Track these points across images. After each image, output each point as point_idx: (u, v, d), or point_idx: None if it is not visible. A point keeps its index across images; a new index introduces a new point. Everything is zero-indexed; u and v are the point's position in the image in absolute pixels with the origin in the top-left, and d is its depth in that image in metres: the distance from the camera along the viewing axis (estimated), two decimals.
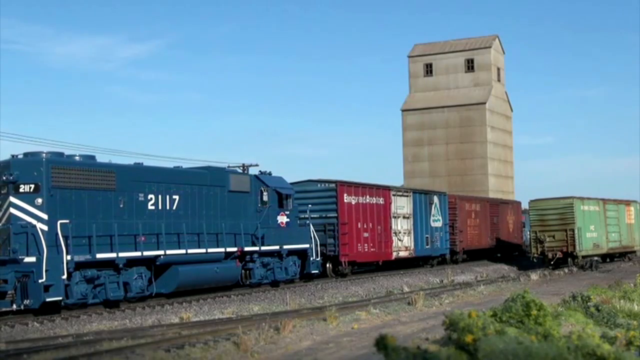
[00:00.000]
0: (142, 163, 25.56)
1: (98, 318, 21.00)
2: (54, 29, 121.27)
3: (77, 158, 23.08)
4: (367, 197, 36.96)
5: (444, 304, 22.58)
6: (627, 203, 51.18)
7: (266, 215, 29.13)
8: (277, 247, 29.42)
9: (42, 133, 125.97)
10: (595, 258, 43.39)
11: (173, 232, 24.82)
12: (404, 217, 40.18)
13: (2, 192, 21.49)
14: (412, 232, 40.68)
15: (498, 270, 42.66)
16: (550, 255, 41.70)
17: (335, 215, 34.64)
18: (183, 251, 24.94)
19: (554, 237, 41.90)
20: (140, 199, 24.03)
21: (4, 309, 20.48)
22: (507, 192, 76.23)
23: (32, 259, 20.55)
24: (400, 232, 39.58)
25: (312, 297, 27.00)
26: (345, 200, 35.15)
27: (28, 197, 21.23)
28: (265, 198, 29.23)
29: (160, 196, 24.74)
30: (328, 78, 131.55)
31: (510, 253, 53.70)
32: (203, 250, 25.81)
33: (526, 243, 55.07)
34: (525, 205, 54.00)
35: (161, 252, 24.15)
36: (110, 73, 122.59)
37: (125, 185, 23.57)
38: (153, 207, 24.47)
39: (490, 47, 76.31)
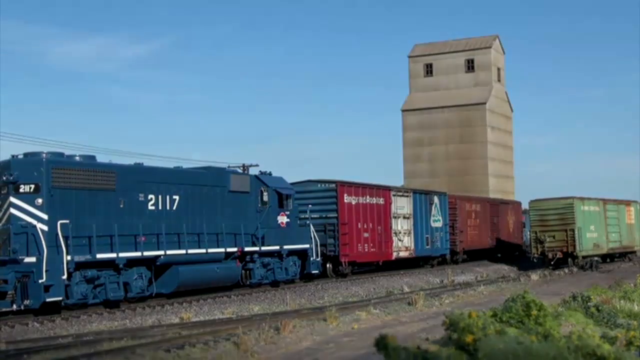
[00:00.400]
0: (142, 163, 25.57)
1: (98, 318, 21.01)
2: (54, 29, 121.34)
3: (77, 158, 23.07)
4: (367, 197, 36.94)
5: (444, 304, 22.59)
6: (627, 203, 51.16)
7: (266, 216, 29.12)
8: (277, 247, 29.41)
9: (42, 133, 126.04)
10: (596, 258, 43.36)
11: (173, 232, 24.81)
12: (404, 217, 40.17)
13: (2, 192, 21.50)
14: (412, 232, 40.65)
15: (498, 271, 42.66)
16: (550, 256, 41.67)
17: (336, 215, 34.63)
18: (183, 251, 24.92)
19: (554, 237, 41.88)
20: (140, 199, 24.03)
21: (4, 309, 20.48)
22: (507, 192, 76.22)
23: (32, 259, 20.54)
24: (400, 232, 39.56)
25: (312, 297, 27.01)
26: (345, 201, 35.14)
27: (28, 197, 21.23)
28: (265, 198, 29.21)
29: (160, 196, 24.74)
30: (328, 78, 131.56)
31: (510, 253, 53.67)
32: (203, 251, 25.79)
33: (526, 243, 55.09)
34: (525, 206, 54.02)
35: (161, 252, 24.15)
36: (111, 73, 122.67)
37: (126, 186, 23.57)
38: (153, 208, 24.46)
39: (490, 47, 76.39)
